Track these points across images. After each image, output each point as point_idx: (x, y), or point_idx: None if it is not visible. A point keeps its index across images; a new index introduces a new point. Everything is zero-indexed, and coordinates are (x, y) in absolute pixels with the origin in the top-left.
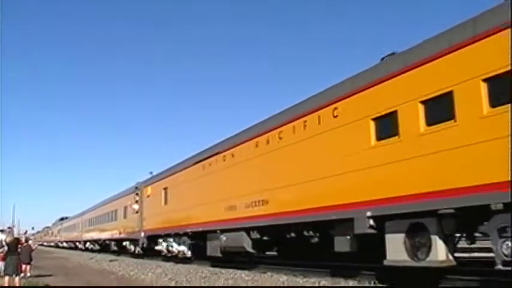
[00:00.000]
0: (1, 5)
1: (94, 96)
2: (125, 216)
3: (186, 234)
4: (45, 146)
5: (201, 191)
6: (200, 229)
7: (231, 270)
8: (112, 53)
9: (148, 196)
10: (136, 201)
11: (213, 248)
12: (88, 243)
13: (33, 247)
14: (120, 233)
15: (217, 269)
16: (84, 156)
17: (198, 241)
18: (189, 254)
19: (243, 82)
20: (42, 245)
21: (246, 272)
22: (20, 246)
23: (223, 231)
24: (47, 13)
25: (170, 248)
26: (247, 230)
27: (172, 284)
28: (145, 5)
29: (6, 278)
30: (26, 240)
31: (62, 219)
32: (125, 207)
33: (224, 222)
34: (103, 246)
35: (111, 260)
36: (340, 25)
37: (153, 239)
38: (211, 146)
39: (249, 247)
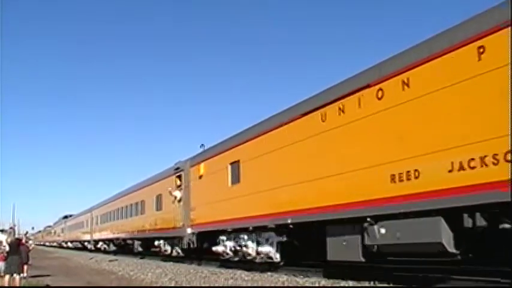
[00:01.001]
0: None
1: (93, 95)
2: (158, 208)
3: (279, 227)
4: (43, 144)
5: (316, 157)
6: (318, 218)
7: (230, 270)
8: (113, 50)
9: (200, 177)
10: (179, 187)
11: (343, 248)
12: (100, 243)
13: (30, 247)
14: (149, 230)
15: (217, 269)
16: (83, 155)
17: (292, 239)
18: (277, 257)
19: (243, 78)
20: (44, 245)
21: (246, 272)
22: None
23: (379, 217)
24: (46, 11)
25: (244, 249)
26: (454, 214)
27: (173, 284)
28: (146, 4)
29: (7, 277)
30: (26, 241)
31: (65, 217)
32: (159, 196)
33: (388, 201)
34: (121, 247)
35: (110, 260)
36: (339, 23)
37: (207, 236)
38: (344, 81)
39: (449, 244)
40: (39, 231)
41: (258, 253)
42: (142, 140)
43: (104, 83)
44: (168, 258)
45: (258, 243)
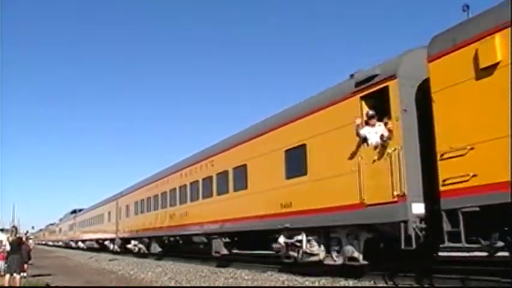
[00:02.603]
0: (1, 4)
1: (91, 95)
2: (294, 171)
3: None
4: (43, 145)
5: None
6: None
7: (231, 270)
8: (114, 51)
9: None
10: (369, 119)
11: None
12: (134, 243)
13: (31, 246)
14: (261, 216)
15: (217, 269)
16: (83, 155)
17: None
18: None
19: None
20: (46, 244)
21: (246, 271)
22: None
23: None
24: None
25: None
26: None
27: (172, 283)
28: (146, 6)
29: (7, 277)
30: (26, 239)
31: (74, 211)
32: (298, 150)
33: None
34: (174, 246)
35: (110, 260)
36: (336, 24)
37: None
38: None
39: None
40: (41, 230)
41: None
42: (142, 140)
43: (101, 84)
44: (308, 269)
45: None
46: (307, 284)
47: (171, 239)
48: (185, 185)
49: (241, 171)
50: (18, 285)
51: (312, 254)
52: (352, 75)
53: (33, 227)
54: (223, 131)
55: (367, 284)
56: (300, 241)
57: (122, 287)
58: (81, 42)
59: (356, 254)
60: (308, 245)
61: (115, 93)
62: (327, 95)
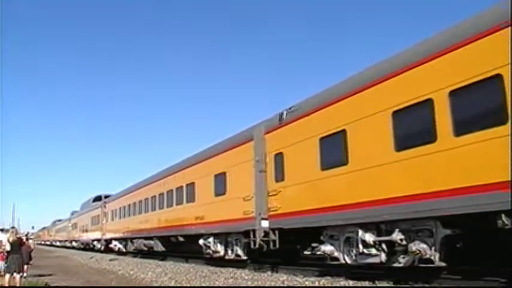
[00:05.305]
0: (1, 4)
1: (91, 96)
2: None
3: None
4: (43, 146)
5: None
6: None
7: (231, 270)
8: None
9: None
10: None
11: None
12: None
13: (32, 246)
14: None
15: (217, 268)
16: (82, 155)
17: None
18: None
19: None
20: (52, 244)
21: (246, 271)
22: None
23: None
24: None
25: None
26: None
27: (172, 283)
28: (149, 9)
29: (7, 277)
30: (27, 240)
31: (98, 198)
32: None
33: None
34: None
35: (110, 260)
36: (336, 26)
37: None
38: None
39: None
40: (44, 228)
41: None
42: (141, 140)
43: (97, 85)
44: None
45: None
46: (307, 284)
47: None
48: None
49: None
50: (18, 285)
51: None
52: None
53: (33, 227)
54: (223, 131)
55: (367, 284)
56: None
57: (122, 287)
58: (85, 43)
59: None
60: None
61: (113, 94)
62: None
